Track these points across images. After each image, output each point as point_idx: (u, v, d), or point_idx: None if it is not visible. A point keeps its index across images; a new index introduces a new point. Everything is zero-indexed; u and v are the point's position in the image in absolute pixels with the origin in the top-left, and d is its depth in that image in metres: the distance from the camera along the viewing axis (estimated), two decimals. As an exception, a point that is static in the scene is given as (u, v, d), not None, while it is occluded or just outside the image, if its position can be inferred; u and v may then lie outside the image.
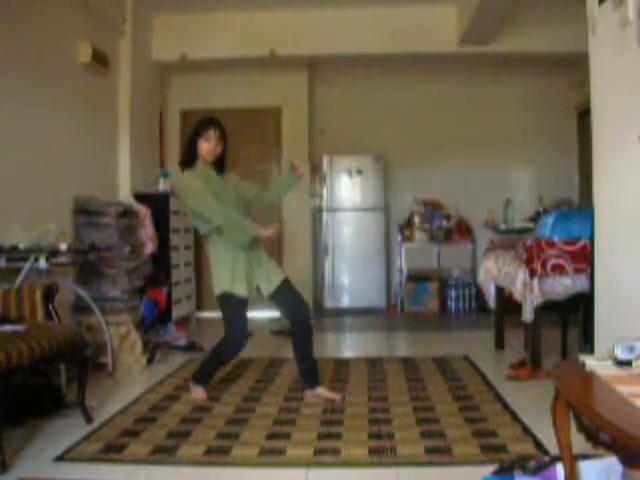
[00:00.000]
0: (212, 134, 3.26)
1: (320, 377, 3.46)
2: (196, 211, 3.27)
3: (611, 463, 1.81)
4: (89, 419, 2.98)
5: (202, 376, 3.45)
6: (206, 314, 6.39)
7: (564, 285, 3.70)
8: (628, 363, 1.79)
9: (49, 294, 3.19)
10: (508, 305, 4.40)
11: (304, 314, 3.38)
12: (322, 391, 3.36)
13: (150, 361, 4.23)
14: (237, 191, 3.40)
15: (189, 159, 3.30)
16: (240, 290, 3.25)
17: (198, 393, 3.40)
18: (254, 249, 3.34)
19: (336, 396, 3.33)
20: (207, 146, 3.26)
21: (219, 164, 3.38)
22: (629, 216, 2.69)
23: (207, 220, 3.24)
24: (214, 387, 3.62)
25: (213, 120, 3.31)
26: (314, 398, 3.33)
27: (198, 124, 3.30)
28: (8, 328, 2.75)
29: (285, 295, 3.38)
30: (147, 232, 4.93)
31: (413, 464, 2.44)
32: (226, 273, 3.25)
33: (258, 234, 3.22)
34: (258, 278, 3.35)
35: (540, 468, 1.96)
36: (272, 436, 2.77)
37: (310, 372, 3.40)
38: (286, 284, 3.39)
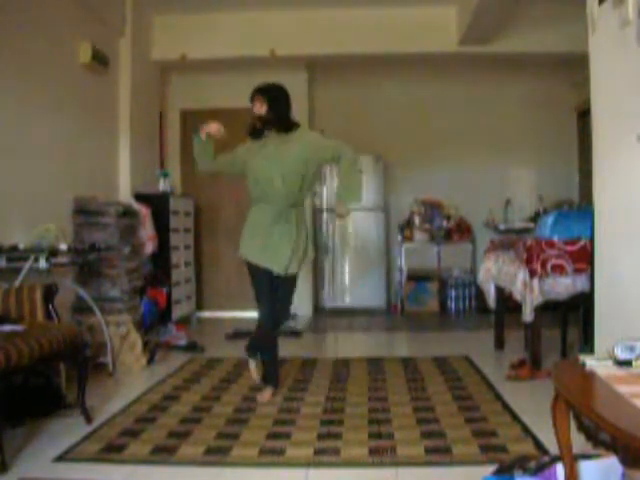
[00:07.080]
0: (254, 100, 3.48)
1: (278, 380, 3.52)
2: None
3: (611, 463, 1.81)
4: (89, 419, 2.98)
5: (251, 346, 3.53)
6: (206, 314, 6.40)
7: (564, 285, 3.70)
8: (628, 363, 1.79)
9: (49, 294, 3.19)
10: (508, 305, 4.40)
11: (279, 321, 3.48)
12: (263, 393, 3.39)
13: (150, 361, 4.23)
14: (298, 154, 3.42)
15: (254, 131, 3.55)
16: (254, 258, 3.31)
17: (252, 372, 3.52)
18: (279, 224, 3.34)
19: (265, 397, 3.35)
20: (253, 112, 3.47)
21: (281, 126, 3.45)
22: (629, 216, 2.69)
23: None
24: (214, 387, 3.63)
25: (255, 89, 3.50)
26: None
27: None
28: (8, 328, 2.75)
29: (281, 291, 3.39)
30: (147, 232, 4.93)
31: (413, 464, 2.44)
32: (244, 236, 3.39)
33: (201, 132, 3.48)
34: (275, 257, 3.34)
35: (540, 468, 1.96)
36: (272, 436, 2.78)
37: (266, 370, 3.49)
38: (291, 283, 3.42)
